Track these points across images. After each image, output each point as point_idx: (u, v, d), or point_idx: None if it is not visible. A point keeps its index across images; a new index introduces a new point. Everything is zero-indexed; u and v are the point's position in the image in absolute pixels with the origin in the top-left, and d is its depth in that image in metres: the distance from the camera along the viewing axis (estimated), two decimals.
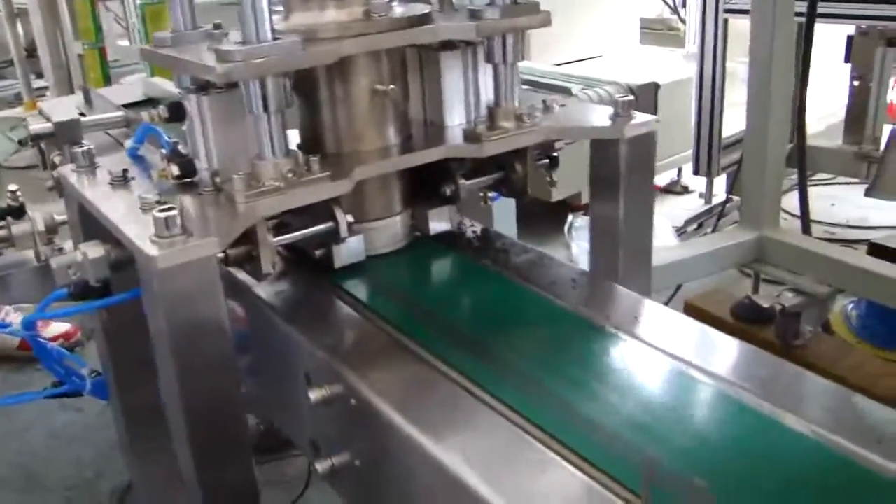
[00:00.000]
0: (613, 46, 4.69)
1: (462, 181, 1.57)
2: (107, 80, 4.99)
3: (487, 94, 1.60)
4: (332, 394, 1.22)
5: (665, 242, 3.70)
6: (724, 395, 1.15)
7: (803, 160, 3.05)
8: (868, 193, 3.67)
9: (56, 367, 1.69)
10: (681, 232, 4.06)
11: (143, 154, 1.63)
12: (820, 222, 4.16)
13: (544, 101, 1.65)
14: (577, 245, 3.76)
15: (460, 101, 1.60)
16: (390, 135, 1.53)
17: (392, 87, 1.46)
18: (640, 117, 1.57)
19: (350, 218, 1.43)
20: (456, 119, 1.60)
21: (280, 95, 1.29)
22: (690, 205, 4.51)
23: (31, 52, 6.23)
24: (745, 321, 3.15)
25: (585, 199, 3.59)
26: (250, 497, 1.33)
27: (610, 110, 1.58)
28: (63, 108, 2.65)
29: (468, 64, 1.58)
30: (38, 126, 2.29)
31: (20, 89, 6.30)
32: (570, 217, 3.89)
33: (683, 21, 4.67)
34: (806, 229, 3.17)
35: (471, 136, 1.50)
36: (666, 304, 3.32)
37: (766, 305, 3.00)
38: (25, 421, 3.12)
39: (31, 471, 2.87)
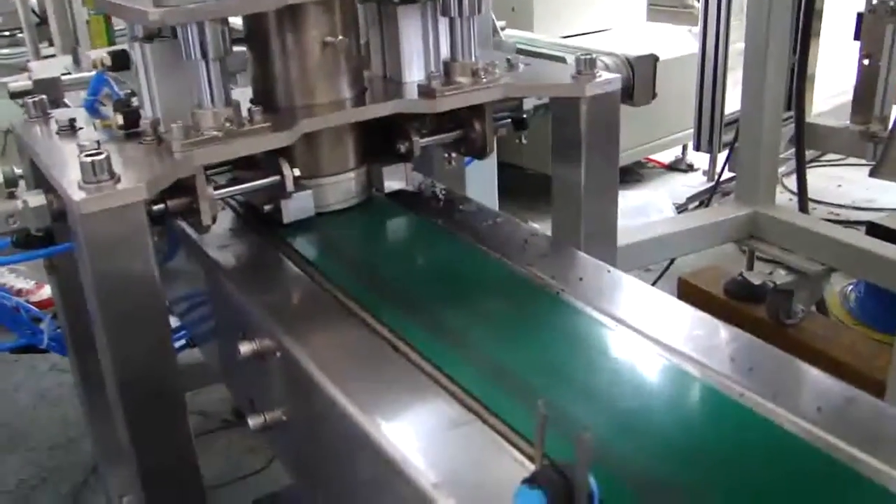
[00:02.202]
0: (628, 21, 4.62)
1: (416, 138, 1.53)
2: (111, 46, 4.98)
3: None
4: (261, 348, 1.20)
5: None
6: (668, 361, 1.11)
7: (801, 137, 2.98)
8: (872, 174, 3.58)
9: (12, 319, 1.68)
10: (681, 209, 4.00)
11: (98, 106, 1.61)
12: (825, 203, 4.09)
13: (508, 60, 1.61)
14: None
15: (419, 56, 1.56)
16: (342, 88, 1.49)
17: (340, 38, 1.42)
18: (603, 76, 1.53)
19: (297, 172, 1.40)
20: (415, 75, 1.56)
21: (218, 42, 1.26)
22: (694, 182, 4.44)
23: (43, 19, 6.24)
24: (737, 298, 3.09)
25: None
26: (187, 459, 1.31)
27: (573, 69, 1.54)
28: (50, 68, 2.64)
29: (427, 19, 1.54)
30: (17, 84, 2.26)
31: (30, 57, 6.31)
32: None
33: None
34: (803, 207, 3.11)
35: (424, 91, 1.47)
36: (658, 278, 3.28)
37: (757, 283, 2.94)
38: (14, 382, 3.14)
39: (16, 430, 2.89)
